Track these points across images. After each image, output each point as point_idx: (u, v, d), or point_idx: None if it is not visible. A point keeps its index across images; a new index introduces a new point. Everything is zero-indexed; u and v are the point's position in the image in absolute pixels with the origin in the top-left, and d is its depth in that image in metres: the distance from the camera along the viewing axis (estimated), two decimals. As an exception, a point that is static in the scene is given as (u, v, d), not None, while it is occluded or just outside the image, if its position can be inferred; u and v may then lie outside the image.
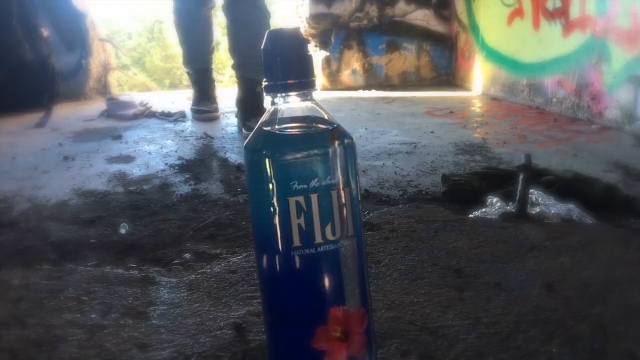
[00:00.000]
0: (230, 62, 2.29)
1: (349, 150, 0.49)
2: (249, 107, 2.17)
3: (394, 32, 3.82)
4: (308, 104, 0.49)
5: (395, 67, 3.87)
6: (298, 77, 0.48)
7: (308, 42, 0.49)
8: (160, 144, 2.03)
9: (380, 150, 1.90)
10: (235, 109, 2.31)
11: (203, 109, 2.46)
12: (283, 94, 0.49)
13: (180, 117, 2.57)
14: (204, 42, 2.41)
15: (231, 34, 2.20)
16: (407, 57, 3.89)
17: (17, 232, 1.11)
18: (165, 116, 2.59)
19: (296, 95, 0.49)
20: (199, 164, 1.73)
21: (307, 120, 0.49)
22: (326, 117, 0.49)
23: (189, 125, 2.42)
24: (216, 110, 2.50)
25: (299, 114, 0.49)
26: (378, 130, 2.27)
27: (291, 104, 0.49)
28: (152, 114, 2.64)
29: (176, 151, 1.90)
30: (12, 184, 1.50)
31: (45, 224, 1.16)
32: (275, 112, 0.49)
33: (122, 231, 1.11)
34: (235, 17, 2.15)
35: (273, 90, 0.49)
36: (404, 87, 3.78)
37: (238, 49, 2.18)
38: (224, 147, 1.98)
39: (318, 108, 0.49)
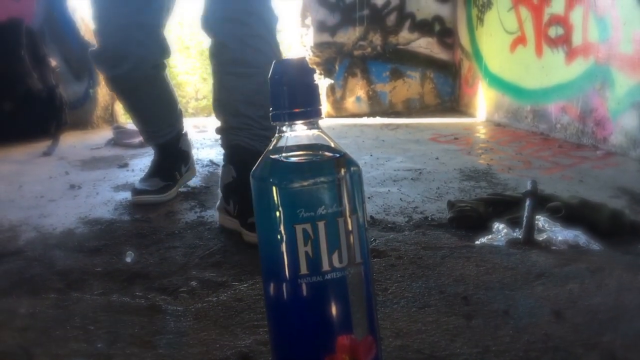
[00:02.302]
0: (213, 120, 1.54)
1: (355, 178, 0.49)
2: (249, 196, 0.94)
3: (398, 59, 3.85)
4: (314, 132, 0.50)
5: (399, 94, 3.90)
6: (304, 106, 0.49)
7: (314, 71, 0.50)
8: (166, 172, 2.04)
9: (386, 177, 1.90)
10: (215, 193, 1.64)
11: (142, 188, 1.62)
12: (289, 123, 0.49)
13: (186, 145, 2.58)
14: (164, 111, 1.65)
15: (221, 83, 1.38)
16: (411, 85, 3.92)
17: (23, 260, 1.11)
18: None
19: (302, 123, 0.49)
20: (205, 191, 1.74)
21: (314, 148, 0.49)
22: (332, 145, 0.50)
23: (195, 153, 2.43)
24: (165, 191, 1.61)
25: (306, 142, 0.49)
26: (383, 157, 2.28)
27: (298, 132, 0.49)
28: (158, 142, 2.66)
29: (182, 179, 1.91)
30: (19, 213, 1.51)
31: (52, 252, 1.16)
32: (282, 140, 0.50)
33: (128, 259, 1.11)
34: (229, 58, 1.32)
35: (280, 118, 0.49)
36: (408, 114, 3.80)
37: (231, 106, 1.36)
38: (230, 174, 1.99)
39: (324, 136, 0.50)
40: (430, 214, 1.42)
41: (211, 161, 2.22)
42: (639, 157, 2.06)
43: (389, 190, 1.71)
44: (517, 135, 2.81)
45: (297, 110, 0.49)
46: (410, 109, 3.90)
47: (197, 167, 2.11)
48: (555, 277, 0.86)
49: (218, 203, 1.38)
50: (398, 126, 3.25)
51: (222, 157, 1.44)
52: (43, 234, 1.31)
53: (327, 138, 0.50)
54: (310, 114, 0.49)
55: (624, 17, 2.14)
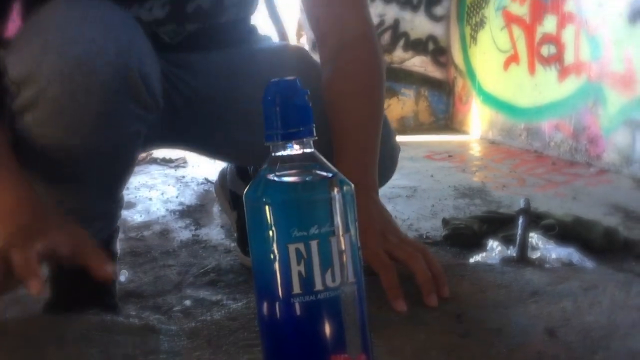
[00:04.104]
0: None
1: (348, 197, 0.50)
2: None
3: (393, 78, 3.88)
4: (307, 151, 0.50)
5: (394, 112, 3.92)
6: (297, 126, 0.49)
7: (307, 91, 0.50)
8: (161, 190, 2.04)
9: (380, 195, 1.90)
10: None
11: None
12: (283, 142, 0.50)
13: (181, 162, 2.59)
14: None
15: None
16: (405, 102, 3.95)
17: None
18: (167, 162, 2.61)
19: (295, 143, 0.50)
20: (200, 209, 1.74)
21: (307, 167, 0.50)
22: (326, 164, 0.50)
23: (190, 171, 2.43)
24: None
25: (299, 161, 0.50)
26: (378, 175, 2.28)
27: (290, 151, 0.50)
28: (154, 160, 2.66)
29: (177, 197, 1.91)
30: (13, 231, 1.50)
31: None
32: (275, 159, 0.50)
33: (122, 278, 1.10)
34: None
35: (272, 138, 0.50)
36: (402, 132, 3.81)
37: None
38: (225, 192, 1.99)
39: (317, 155, 0.50)
40: (425, 231, 1.42)
41: (206, 179, 2.22)
42: (632, 175, 2.07)
43: (383, 208, 1.71)
44: (511, 152, 2.83)
45: (289, 130, 0.49)
46: (404, 127, 3.92)
47: (193, 185, 2.11)
48: (548, 295, 0.86)
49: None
50: (393, 144, 3.26)
51: (218, 174, 1.44)
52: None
53: (320, 157, 0.50)
54: (303, 134, 0.49)
55: (614, 37, 2.17)
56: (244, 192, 0.50)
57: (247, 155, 1.13)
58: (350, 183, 0.50)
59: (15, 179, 0.72)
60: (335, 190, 0.48)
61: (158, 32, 0.96)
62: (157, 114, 0.86)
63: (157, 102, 0.84)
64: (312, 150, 0.50)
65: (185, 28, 0.99)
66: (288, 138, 0.49)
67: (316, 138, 0.50)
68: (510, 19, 3.00)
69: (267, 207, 0.47)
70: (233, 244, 1.33)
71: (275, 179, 0.49)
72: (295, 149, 0.50)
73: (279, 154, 0.50)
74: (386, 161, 0.97)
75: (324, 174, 0.49)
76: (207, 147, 1.12)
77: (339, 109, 0.90)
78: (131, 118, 0.79)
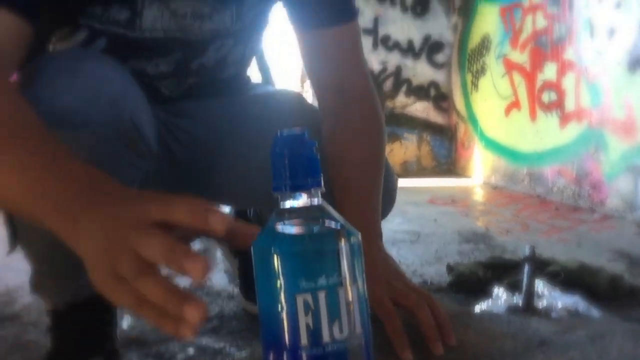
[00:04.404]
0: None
1: (356, 248, 0.50)
2: None
3: (395, 123, 3.92)
4: (315, 201, 0.51)
5: (396, 156, 3.94)
6: (305, 177, 0.50)
7: (315, 143, 0.51)
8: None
9: (384, 240, 1.89)
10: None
11: None
12: (291, 193, 0.50)
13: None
14: None
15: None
16: (408, 147, 3.98)
17: (19, 326, 1.10)
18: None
19: (304, 193, 0.50)
20: (203, 253, 1.74)
21: (315, 218, 0.50)
22: (333, 214, 0.51)
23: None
24: None
25: (306, 212, 0.50)
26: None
27: (299, 202, 0.51)
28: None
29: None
30: (16, 277, 1.50)
31: (47, 317, 1.15)
32: (283, 210, 0.51)
33: (124, 325, 1.10)
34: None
35: (281, 189, 0.51)
36: (405, 176, 3.83)
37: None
38: (228, 236, 1.99)
39: (325, 206, 0.51)
40: (429, 277, 1.42)
41: (210, 223, 2.22)
42: (636, 220, 2.07)
43: (387, 254, 1.71)
44: (514, 197, 2.83)
45: (298, 181, 0.50)
46: (407, 171, 3.94)
47: (196, 229, 2.11)
48: (555, 346, 0.86)
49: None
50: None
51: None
52: (39, 299, 1.30)
53: (328, 208, 0.51)
54: (311, 184, 0.50)
55: (614, 84, 2.20)
56: (252, 242, 0.50)
57: (247, 199, 1.14)
58: (358, 233, 0.51)
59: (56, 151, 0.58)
60: (343, 241, 0.49)
61: (159, 86, 0.99)
62: (151, 161, 0.87)
63: (151, 149, 0.86)
64: (320, 200, 0.51)
65: (187, 82, 1.01)
66: (296, 189, 0.50)
67: (324, 190, 0.51)
68: (510, 67, 3.05)
69: (275, 258, 0.47)
70: (236, 290, 1.33)
71: (283, 230, 0.49)
72: (303, 200, 0.50)
73: (287, 204, 0.51)
74: (385, 196, 0.99)
75: (332, 225, 0.50)
76: (207, 193, 1.13)
77: (342, 160, 0.92)
78: (125, 165, 0.80)
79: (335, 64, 0.97)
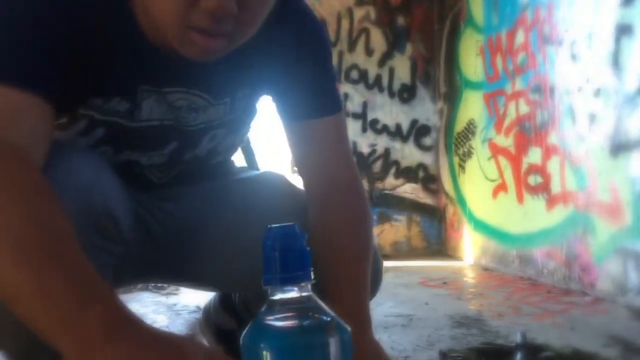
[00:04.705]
0: None
1: (345, 340, 0.50)
2: None
3: (385, 204, 3.95)
4: (305, 295, 0.51)
5: (387, 237, 3.95)
6: (295, 271, 0.51)
7: (305, 236, 0.52)
8: (152, 319, 2.00)
9: (376, 324, 1.86)
10: None
11: None
12: (281, 286, 0.51)
13: (173, 289, 2.56)
14: None
15: None
16: (398, 228, 3.99)
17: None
18: (158, 289, 2.58)
19: (293, 287, 0.51)
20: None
21: (304, 311, 0.50)
22: (323, 307, 0.51)
23: (182, 298, 2.40)
24: None
25: (296, 305, 0.51)
26: (373, 302, 2.25)
27: (288, 295, 0.51)
28: (145, 287, 2.63)
29: (167, 326, 1.87)
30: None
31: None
32: (273, 303, 0.51)
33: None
34: None
35: (271, 282, 0.51)
36: (396, 257, 3.81)
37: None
38: (217, 321, 1.95)
39: (314, 299, 0.51)
40: (421, 365, 1.39)
41: (198, 307, 2.19)
42: (628, 304, 2.06)
43: (379, 338, 1.67)
44: (505, 280, 2.82)
45: (288, 274, 0.50)
46: (398, 252, 3.92)
47: (184, 314, 2.08)
48: None
49: None
50: (387, 269, 3.24)
51: (202, 311, 1.43)
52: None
53: (317, 301, 0.51)
54: (301, 278, 0.51)
55: (598, 168, 2.26)
56: (241, 337, 0.50)
57: (232, 283, 1.13)
58: (347, 327, 0.51)
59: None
60: (332, 335, 0.49)
61: (149, 174, 1.00)
62: (124, 245, 0.87)
63: (124, 235, 0.86)
64: (310, 293, 0.51)
65: (177, 170, 1.03)
66: (286, 282, 0.50)
67: (314, 281, 0.51)
68: (496, 150, 3.13)
69: (264, 353, 0.47)
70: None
71: (273, 323, 0.49)
72: (293, 293, 0.51)
73: (277, 297, 0.51)
74: (372, 277, 0.99)
75: (322, 318, 0.50)
76: (193, 277, 1.13)
77: (331, 248, 0.92)
78: (97, 251, 0.80)
79: (322, 153, 0.99)
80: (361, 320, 0.85)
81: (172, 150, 0.98)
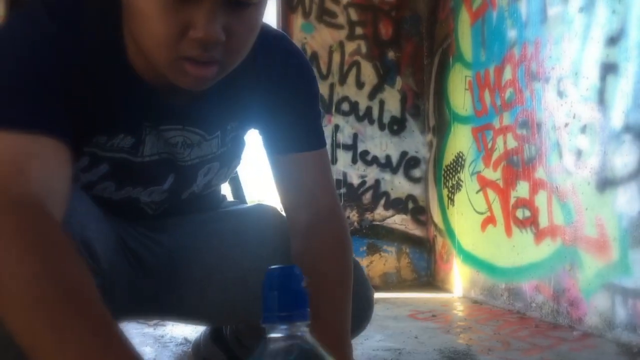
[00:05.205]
0: None
1: None
2: None
3: (375, 235, 3.96)
4: (301, 335, 0.52)
5: (376, 268, 3.95)
6: (292, 310, 0.51)
7: (303, 277, 0.53)
8: (138, 352, 1.97)
9: (365, 358, 1.87)
10: None
11: None
12: (278, 326, 0.51)
13: (160, 321, 2.53)
14: None
15: None
16: (387, 259, 3.99)
17: None
18: (146, 320, 2.55)
19: (290, 326, 0.52)
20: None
21: (300, 353, 0.51)
22: (317, 349, 0.52)
23: (169, 330, 2.37)
24: None
25: (291, 345, 0.51)
26: (362, 335, 2.24)
27: (284, 334, 0.52)
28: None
29: (154, 359, 1.85)
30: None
31: None
32: (268, 342, 0.52)
33: None
34: None
35: (268, 321, 0.52)
36: (385, 288, 3.81)
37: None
38: (205, 354, 1.93)
39: (310, 340, 0.52)
40: (411, 401, 1.38)
41: (185, 339, 2.17)
42: (615, 339, 2.07)
43: (368, 374, 1.67)
44: (494, 313, 2.82)
45: (284, 314, 0.51)
46: (387, 283, 3.92)
47: (171, 346, 2.05)
48: None
49: None
50: (376, 301, 3.24)
51: (192, 346, 1.42)
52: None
53: (312, 342, 0.52)
54: (298, 317, 0.52)
55: (585, 203, 2.29)
56: None
57: (224, 314, 1.14)
58: None
59: None
60: None
61: (145, 208, 1.02)
62: (102, 277, 0.88)
63: (101, 266, 0.87)
64: (306, 333, 0.52)
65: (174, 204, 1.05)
66: (283, 321, 0.51)
67: (309, 323, 0.52)
68: (484, 183, 3.16)
69: None
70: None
71: None
72: (289, 332, 0.52)
73: (273, 335, 0.52)
74: (362, 305, 1.00)
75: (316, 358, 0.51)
76: (185, 309, 1.13)
77: (314, 273, 0.93)
78: None
79: (305, 183, 1.02)
80: (342, 353, 0.86)
81: (170, 186, 1.00)
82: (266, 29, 0.98)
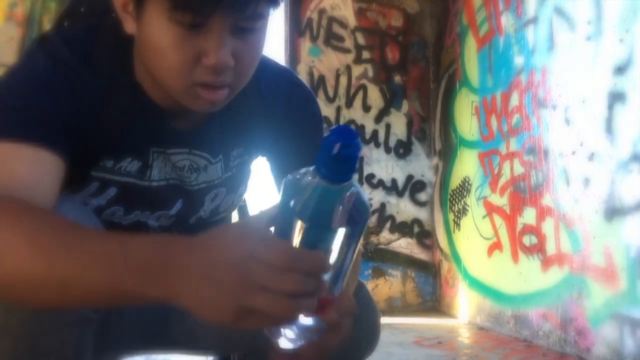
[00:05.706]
0: None
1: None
2: None
3: (380, 258, 3.94)
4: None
5: (381, 292, 3.92)
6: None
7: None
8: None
9: (370, 388, 1.84)
10: None
11: None
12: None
13: (166, 353, 2.51)
14: None
15: None
16: (392, 283, 3.96)
17: None
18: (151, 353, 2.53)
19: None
20: None
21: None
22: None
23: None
24: None
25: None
26: (367, 363, 2.22)
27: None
28: (136, 341, 2.58)
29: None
30: None
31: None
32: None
33: None
34: None
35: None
36: (390, 313, 3.78)
37: None
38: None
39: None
40: None
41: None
42: (625, 371, 2.04)
43: (374, 405, 1.65)
44: (500, 340, 2.79)
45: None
46: (392, 308, 3.89)
47: (175, 372, 2.03)
48: None
49: None
50: (382, 326, 3.22)
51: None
52: None
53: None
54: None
55: (593, 231, 2.27)
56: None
57: (230, 343, 1.13)
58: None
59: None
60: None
61: (150, 231, 1.02)
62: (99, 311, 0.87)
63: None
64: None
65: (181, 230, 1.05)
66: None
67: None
68: (491, 209, 3.15)
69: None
70: None
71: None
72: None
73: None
74: (370, 327, 1.00)
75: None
76: (190, 338, 1.12)
77: None
78: (74, 320, 0.82)
79: None
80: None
81: (178, 211, 1.00)
82: (272, 64, 1.02)
